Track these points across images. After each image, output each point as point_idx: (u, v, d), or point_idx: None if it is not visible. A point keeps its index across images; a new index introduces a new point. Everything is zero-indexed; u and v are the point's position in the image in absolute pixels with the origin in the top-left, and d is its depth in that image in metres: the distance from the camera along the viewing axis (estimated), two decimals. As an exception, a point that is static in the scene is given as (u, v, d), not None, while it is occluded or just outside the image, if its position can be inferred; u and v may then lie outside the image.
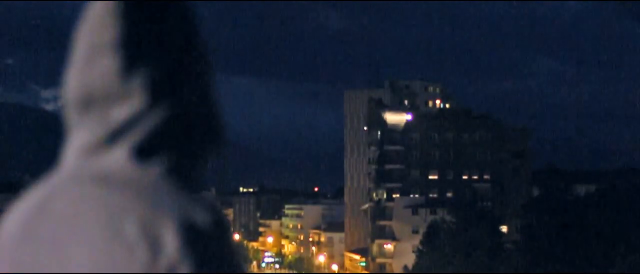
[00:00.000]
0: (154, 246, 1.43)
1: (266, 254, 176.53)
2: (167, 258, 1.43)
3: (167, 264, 1.43)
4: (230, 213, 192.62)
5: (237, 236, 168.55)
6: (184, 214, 1.46)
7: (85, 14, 1.55)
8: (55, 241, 1.48)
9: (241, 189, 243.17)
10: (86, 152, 1.53)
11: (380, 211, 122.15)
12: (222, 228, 1.49)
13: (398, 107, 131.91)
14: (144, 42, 1.51)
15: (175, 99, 1.53)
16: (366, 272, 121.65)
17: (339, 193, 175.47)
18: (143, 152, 1.51)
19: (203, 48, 1.57)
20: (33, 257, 1.49)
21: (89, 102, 1.53)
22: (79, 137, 1.54)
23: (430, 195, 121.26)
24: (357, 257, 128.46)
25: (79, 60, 1.54)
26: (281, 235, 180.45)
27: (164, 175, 1.51)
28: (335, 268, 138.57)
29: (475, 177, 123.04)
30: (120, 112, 1.51)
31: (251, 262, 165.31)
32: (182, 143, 1.54)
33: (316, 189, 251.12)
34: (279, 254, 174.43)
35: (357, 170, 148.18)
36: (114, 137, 1.52)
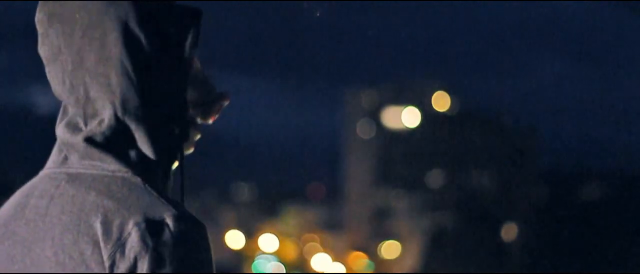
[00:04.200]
0: (118, 243, 1.43)
1: (265, 254, 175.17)
2: (132, 256, 1.43)
3: (130, 263, 1.43)
4: (228, 212, 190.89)
5: (237, 237, 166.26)
6: (149, 214, 1.45)
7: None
8: (27, 240, 1.50)
9: (240, 188, 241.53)
10: (63, 152, 1.55)
11: (381, 212, 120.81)
12: (191, 229, 1.47)
13: (399, 107, 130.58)
14: (100, 43, 1.51)
15: (143, 99, 1.51)
16: (367, 273, 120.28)
17: (339, 193, 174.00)
18: (114, 152, 1.51)
19: (174, 48, 1.54)
20: (9, 255, 1.52)
21: (63, 104, 1.56)
22: (59, 137, 1.56)
23: (433, 196, 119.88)
24: (358, 258, 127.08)
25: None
26: (280, 235, 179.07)
27: (133, 174, 1.51)
28: (335, 268, 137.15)
29: (479, 177, 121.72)
30: (88, 113, 1.52)
31: (248, 262, 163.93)
32: (152, 144, 1.53)
33: (316, 189, 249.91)
34: (278, 254, 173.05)
35: (357, 170, 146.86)
36: (87, 136, 1.52)
